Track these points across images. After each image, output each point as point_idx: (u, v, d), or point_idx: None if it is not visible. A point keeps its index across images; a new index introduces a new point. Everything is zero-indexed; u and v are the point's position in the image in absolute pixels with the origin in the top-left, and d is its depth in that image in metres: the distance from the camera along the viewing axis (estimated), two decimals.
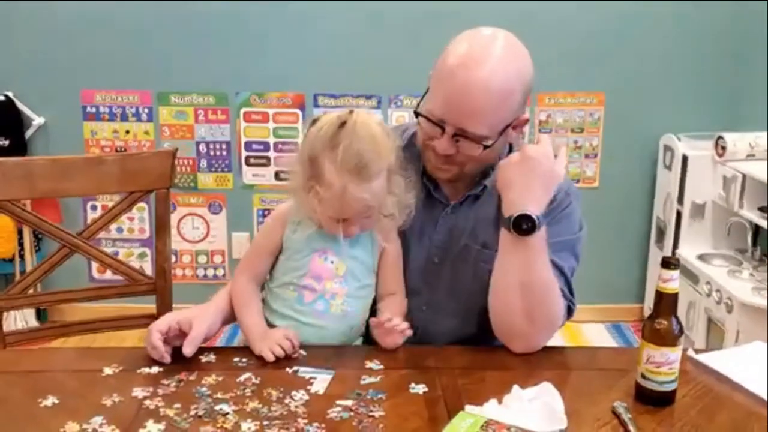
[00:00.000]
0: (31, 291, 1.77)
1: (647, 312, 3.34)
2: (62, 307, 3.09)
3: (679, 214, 3.06)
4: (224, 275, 3.34)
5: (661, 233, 3.19)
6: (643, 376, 1.19)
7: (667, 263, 1.15)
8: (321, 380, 1.25)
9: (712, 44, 3.14)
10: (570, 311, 1.40)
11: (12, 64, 3.12)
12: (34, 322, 3.13)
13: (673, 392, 1.19)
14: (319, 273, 1.37)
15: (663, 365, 1.17)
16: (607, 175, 3.27)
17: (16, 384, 1.25)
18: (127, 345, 2.81)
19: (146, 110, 3.18)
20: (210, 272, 3.34)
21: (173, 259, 3.28)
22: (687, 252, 2.99)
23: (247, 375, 1.25)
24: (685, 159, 3.01)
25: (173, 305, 1.80)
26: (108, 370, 1.27)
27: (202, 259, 3.33)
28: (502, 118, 1.31)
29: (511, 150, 1.43)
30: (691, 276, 2.90)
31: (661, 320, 1.17)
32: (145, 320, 1.78)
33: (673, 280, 1.16)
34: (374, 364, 1.30)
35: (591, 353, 1.47)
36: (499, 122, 1.31)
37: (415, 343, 1.40)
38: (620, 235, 3.32)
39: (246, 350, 1.36)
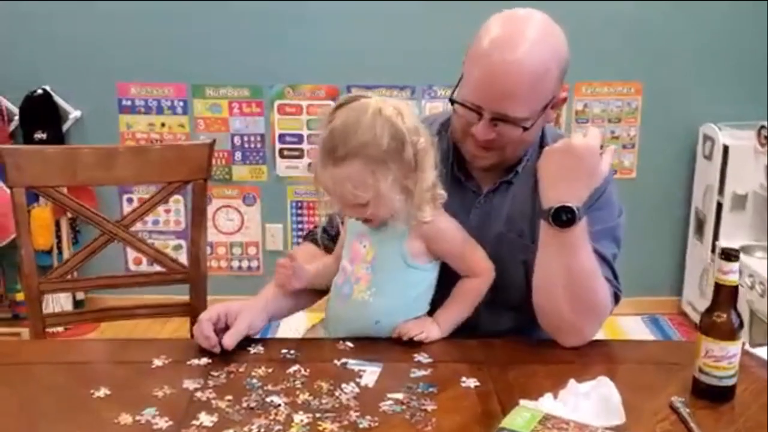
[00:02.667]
0: (69, 277, 1.79)
1: (685, 305, 3.29)
2: (98, 297, 3.14)
3: (719, 206, 3.00)
4: (258, 267, 3.34)
5: (700, 225, 3.14)
6: (701, 371, 1.16)
7: (728, 255, 1.13)
8: (370, 373, 1.24)
9: (753, 30, 3.07)
10: (617, 298, 1.38)
11: (49, 58, 3.14)
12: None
13: (733, 387, 1.16)
14: (354, 255, 1.35)
15: (722, 360, 1.14)
16: (644, 165, 3.22)
17: (68, 374, 1.25)
18: (165, 336, 2.85)
19: (181, 103, 3.19)
20: (244, 264, 3.35)
21: (208, 250, 3.28)
22: (728, 244, 2.93)
23: (295, 367, 1.25)
24: (726, 149, 2.95)
25: (208, 297, 1.81)
26: (157, 362, 1.27)
27: (237, 250, 3.34)
28: (539, 99, 1.29)
29: (543, 134, 1.41)
30: None
31: (720, 313, 1.14)
32: (180, 309, 1.81)
33: (734, 273, 1.13)
34: (423, 357, 1.29)
35: (643, 347, 1.45)
36: (537, 103, 1.29)
37: (456, 336, 1.38)
38: (658, 227, 3.26)
39: (293, 342, 1.36)
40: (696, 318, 3.16)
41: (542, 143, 1.40)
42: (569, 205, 1.26)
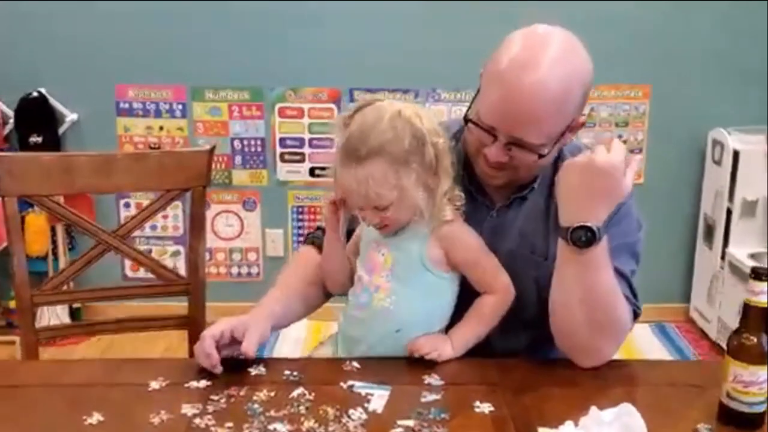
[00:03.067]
0: (65, 288, 1.74)
1: (693, 312, 3.24)
2: (95, 307, 3.07)
3: (729, 212, 2.94)
4: (258, 273, 3.28)
5: (709, 231, 3.08)
6: (729, 396, 1.10)
7: (758, 274, 1.07)
8: (378, 397, 1.17)
9: (763, 33, 3.00)
10: (636, 316, 1.32)
11: (45, 60, 3.08)
12: (67, 321, 3.10)
13: (763, 414, 1.10)
14: (372, 265, 1.31)
15: (752, 385, 1.08)
16: (652, 170, 3.16)
17: (61, 398, 1.19)
18: (159, 348, 2.78)
19: (180, 106, 3.12)
20: (244, 270, 3.28)
21: (207, 257, 3.22)
22: (738, 251, 2.88)
23: (299, 390, 1.18)
24: (736, 154, 2.89)
25: (206, 303, 1.75)
26: (154, 384, 1.21)
27: (236, 256, 3.28)
28: (559, 124, 1.23)
29: (560, 152, 1.34)
30: (743, 276, 2.79)
31: (750, 336, 1.08)
32: (177, 321, 1.77)
33: (764, 293, 1.07)
34: (433, 380, 1.22)
35: (663, 367, 1.39)
36: (555, 129, 1.23)
37: (469, 355, 1.32)
38: (666, 233, 3.20)
39: (297, 362, 1.30)
40: (704, 325, 3.12)
41: (558, 156, 1.34)
42: (589, 224, 1.19)
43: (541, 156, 1.23)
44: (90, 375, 1.28)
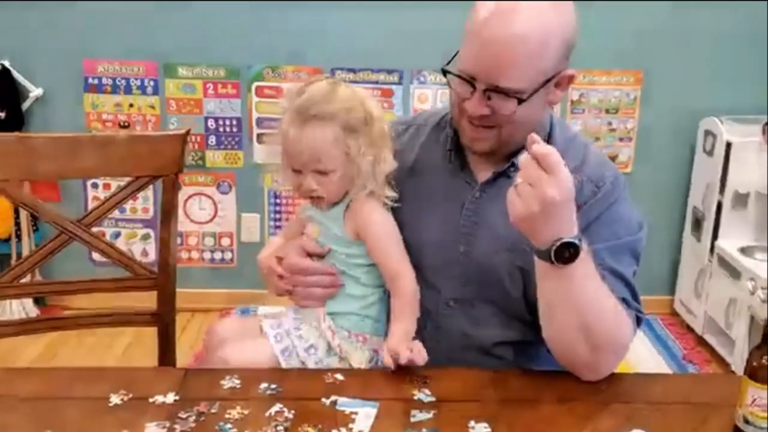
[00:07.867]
0: (27, 277, 1.62)
1: (678, 306, 3.18)
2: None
3: (719, 204, 2.86)
4: (232, 259, 3.15)
5: (698, 223, 3.00)
6: (746, 420, 1.02)
7: None
8: (364, 415, 1.07)
9: (760, 19, 2.91)
10: (639, 321, 1.23)
11: (8, 30, 2.89)
12: (32, 308, 2.96)
13: None
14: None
15: None
16: (641, 159, 3.07)
17: (6, 414, 1.07)
18: (125, 337, 2.64)
19: (152, 82, 2.96)
20: (217, 255, 3.15)
21: (178, 241, 3.09)
22: (727, 244, 2.80)
23: (277, 407, 1.08)
24: (728, 145, 2.80)
25: (178, 290, 1.66)
26: (115, 399, 1.10)
27: (209, 241, 3.14)
28: (538, 70, 1.15)
29: (552, 128, 1.27)
30: (732, 271, 2.72)
31: None
32: (145, 318, 1.65)
33: None
34: (423, 395, 1.12)
35: (669, 382, 1.30)
36: (535, 74, 1.15)
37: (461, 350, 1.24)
38: (653, 223, 3.04)
39: (275, 373, 1.19)
40: (689, 319, 3.06)
41: (550, 140, 1.26)
42: (568, 240, 1.07)
43: (520, 101, 1.16)
44: (42, 387, 1.15)
